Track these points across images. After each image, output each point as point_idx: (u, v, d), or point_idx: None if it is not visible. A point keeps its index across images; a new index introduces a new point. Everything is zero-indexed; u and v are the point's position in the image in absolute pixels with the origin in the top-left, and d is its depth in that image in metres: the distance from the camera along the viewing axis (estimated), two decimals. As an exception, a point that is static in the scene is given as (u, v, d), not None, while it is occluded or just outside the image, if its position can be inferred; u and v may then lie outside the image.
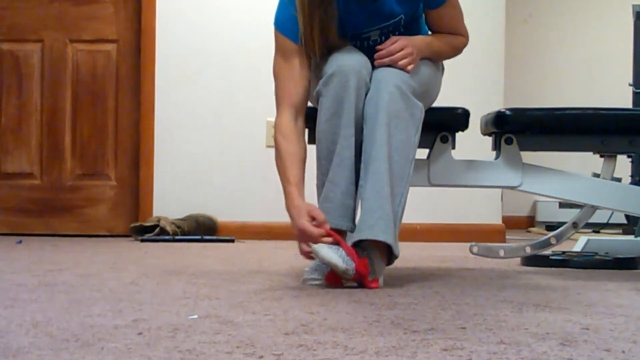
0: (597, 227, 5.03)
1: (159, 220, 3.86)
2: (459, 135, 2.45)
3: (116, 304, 1.69)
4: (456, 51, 2.32)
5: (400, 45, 2.13)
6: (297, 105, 2.14)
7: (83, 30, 4.19)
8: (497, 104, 3.85)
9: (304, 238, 1.99)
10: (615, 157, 2.65)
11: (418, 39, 2.19)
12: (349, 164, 2.07)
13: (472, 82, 4.13)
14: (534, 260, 2.76)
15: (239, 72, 4.13)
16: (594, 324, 1.49)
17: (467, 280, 2.26)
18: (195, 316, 1.53)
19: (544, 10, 6.19)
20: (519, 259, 2.83)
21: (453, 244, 3.81)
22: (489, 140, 2.59)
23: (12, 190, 4.19)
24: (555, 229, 2.86)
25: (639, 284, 2.21)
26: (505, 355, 1.19)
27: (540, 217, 5.85)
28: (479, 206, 4.13)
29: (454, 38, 2.29)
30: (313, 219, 2.00)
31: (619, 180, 2.85)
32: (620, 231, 5.01)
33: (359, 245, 2.00)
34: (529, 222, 6.02)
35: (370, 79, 2.12)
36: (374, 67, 2.14)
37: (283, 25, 2.15)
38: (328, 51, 2.13)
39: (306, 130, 2.29)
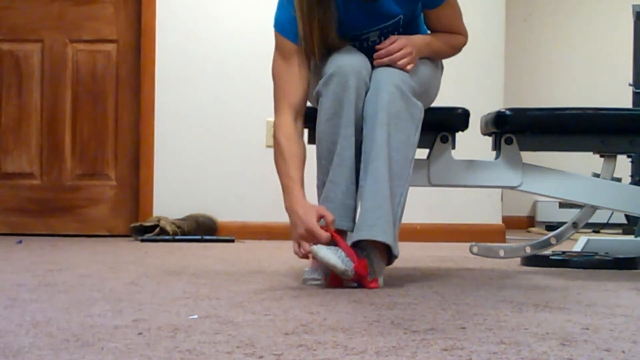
0: (597, 227, 5.03)
1: (159, 220, 3.86)
2: (459, 135, 2.45)
3: (116, 304, 1.69)
4: (455, 50, 2.32)
5: (399, 44, 2.13)
6: (296, 105, 2.14)
7: (83, 30, 4.19)
8: (497, 104, 3.85)
9: (309, 239, 1.98)
10: (615, 157, 2.64)
11: (417, 39, 2.19)
12: (349, 163, 2.07)
13: (472, 82, 4.13)
14: (534, 260, 2.76)
15: (239, 72, 4.12)
16: (594, 324, 1.49)
17: (467, 280, 2.26)
18: (195, 316, 1.53)
19: (544, 9, 6.19)
20: (519, 259, 2.83)
21: (453, 244, 3.81)
22: (489, 140, 2.59)
23: (12, 190, 4.19)
24: (555, 229, 2.86)
25: (639, 284, 2.21)
26: (505, 355, 1.19)
27: (540, 217, 5.85)
28: (479, 206, 4.13)
29: (453, 37, 2.29)
30: (320, 219, 1.99)
31: (619, 180, 2.85)
32: (620, 231, 5.01)
33: (358, 245, 2.00)
34: (529, 222, 6.02)
35: (370, 79, 2.12)
36: (373, 67, 2.14)
37: (282, 26, 2.15)
38: (327, 52, 2.13)
39: (306, 130, 2.29)
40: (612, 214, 4.85)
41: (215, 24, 4.16)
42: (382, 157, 2.02)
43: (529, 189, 2.48)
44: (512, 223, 5.34)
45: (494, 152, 2.50)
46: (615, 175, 2.67)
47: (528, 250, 2.78)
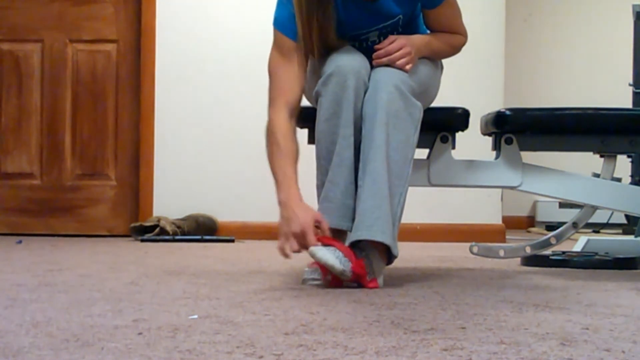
0: (597, 227, 5.03)
1: (159, 220, 3.86)
2: (459, 135, 2.45)
3: (116, 304, 1.69)
4: (455, 50, 2.32)
5: (398, 44, 2.13)
6: (292, 103, 2.13)
7: (83, 30, 4.19)
8: (497, 104, 3.85)
9: (300, 238, 1.98)
10: (615, 157, 2.64)
11: (416, 38, 2.19)
12: (349, 163, 2.06)
13: (472, 82, 4.13)
14: (534, 260, 2.76)
15: (239, 72, 4.12)
16: (594, 324, 1.49)
17: (467, 280, 2.26)
18: (195, 316, 1.53)
19: (544, 9, 6.20)
20: (519, 259, 2.83)
21: (453, 244, 3.81)
22: (489, 140, 2.59)
23: (12, 190, 4.19)
24: (555, 229, 2.86)
25: (639, 284, 2.21)
26: (505, 355, 1.19)
27: (540, 217, 5.85)
28: (479, 206, 4.13)
29: (453, 37, 2.29)
30: (315, 223, 1.99)
31: (619, 180, 2.85)
32: (620, 231, 5.01)
33: (357, 245, 2.00)
34: (529, 222, 6.02)
35: (369, 79, 2.12)
36: (372, 67, 2.14)
37: (282, 23, 2.15)
38: (327, 51, 2.13)
39: (305, 131, 2.29)
40: (612, 214, 4.85)
41: (215, 24, 4.16)
42: (380, 157, 2.02)
43: (529, 189, 2.47)
44: (512, 223, 5.34)
45: (494, 152, 2.50)
46: (615, 175, 2.67)
47: (528, 250, 2.78)
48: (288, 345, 1.25)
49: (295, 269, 2.44)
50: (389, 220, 2.00)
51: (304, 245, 1.97)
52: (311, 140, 2.23)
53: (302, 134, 2.28)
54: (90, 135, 4.18)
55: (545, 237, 2.80)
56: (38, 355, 1.16)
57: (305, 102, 2.22)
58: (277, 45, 2.17)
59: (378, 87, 2.07)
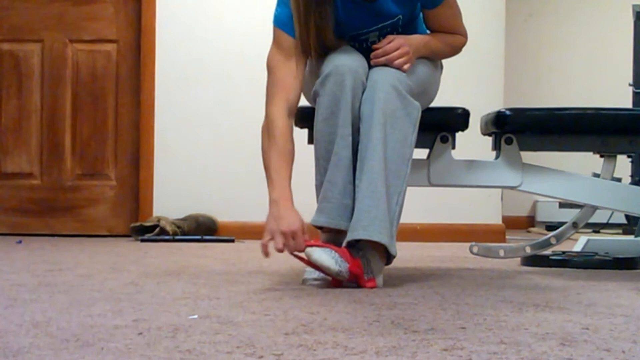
0: (597, 227, 5.03)
1: (159, 220, 3.86)
2: (459, 135, 2.45)
3: (116, 304, 1.69)
4: (454, 50, 2.32)
5: (396, 44, 2.13)
6: (291, 100, 2.12)
7: (83, 30, 4.19)
8: (497, 104, 3.85)
9: (287, 238, 1.97)
10: (615, 157, 2.65)
11: (415, 38, 2.19)
12: (347, 163, 2.06)
13: (472, 82, 4.13)
14: (534, 260, 2.76)
15: (239, 72, 4.12)
16: (594, 324, 1.49)
17: (467, 280, 2.26)
18: (195, 316, 1.53)
19: (544, 10, 6.20)
20: (519, 259, 2.83)
21: (453, 244, 3.81)
22: (489, 140, 2.59)
23: (12, 190, 4.19)
24: (555, 229, 2.86)
25: (639, 284, 2.21)
26: (505, 355, 1.19)
27: (540, 217, 5.85)
28: (479, 206, 4.13)
29: (452, 37, 2.29)
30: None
31: (619, 180, 2.85)
32: (620, 231, 5.01)
33: (355, 245, 2.00)
34: (529, 222, 6.02)
35: (367, 79, 2.12)
36: (371, 67, 2.14)
37: (282, 21, 2.14)
38: (325, 52, 2.13)
39: (305, 131, 2.29)
40: (612, 214, 4.86)
41: (215, 24, 4.16)
42: (377, 157, 2.02)
43: (529, 189, 2.48)
44: (512, 223, 5.34)
45: (494, 152, 2.50)
46: (615, 175, 2.67)
47: (528, 250, 2.78)
48: (288, 345, 1.25)
49: (295, 269, 2.44)
50: (386, 220, 2.00)
51: (291, 247, 1.97)
52: (310, 140, 2.23)
53: (302, 133, 2.28)
54: (90, 135, 4.18)
55: (545, 237, 2.80)
56: (38, 355, 1.16)
57: (304, 102, 2.21)
58: (276, 43, 2.16)
59: (375, 87, 2.07)
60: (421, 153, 2.36)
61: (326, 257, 1.93)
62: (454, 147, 2.43)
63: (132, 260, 2.80)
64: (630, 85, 4.62)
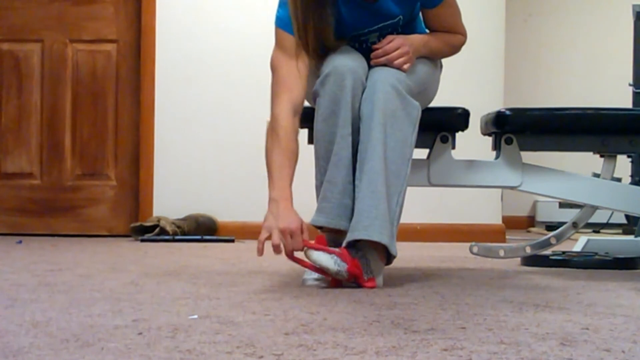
0: (597, 227, 5.03)
1: (159, 220, 3.86)
2: (459, 135, 2.45)
3: (116, 304, 1.69)
4: (454, 49, 2.32)
5: (396, 44, 2.13)
6: (296, 99, 2.10)
7: (83, 30, 4.19)
8: (497, 104, 3.85)
9: (286, 236, 1.95)
10: (615, 157, 2.65)
11: (415, 38, 2.19)
12: (347, 163, 2.06)
13: (472, 82, 4.13)
14: (534, 260, 2.76)
15: (239, 71, 4.13)
16: (594, 324, 1.49)
17: (467, 280, 2.26)
18: (195, 316, 1.53)
19: (544, 10, 6.20)
20: (519, 259, 2.83)
21: (453, 244, 3.81)
22: (489, 140, 2.59)
23: (12, 190, 4.19)
24: (555, 229, 2.86)
25: (639, 284, 2.21)
26: (505, 355, 1.19)
27: (540, 217, 5.85)
28: (479, 206, 4.13)
29: (452, 36, 2.29)
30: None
31: (619, 180, 2.85)
32: (620, 231, 5.01)
33: (354, 245, 2.00)
34: (529, 222, 6.02)
35: (367, 79, 2.12)
36: (371, 68, 2.14)
37: (284, 22, 2.14)
38: (325, 53, 2.13)
39: (305, 131, 2.29)
40: (612, 214, 4.86)
41: (215, 24, 4.16)
42: (377, 157, 2.02)
43: (529, 189, 2.48)
44: (512, 223, 5.34)
45: (494, 152, 2.50)
46: (615, 175, 2.67)
47: (528, 250, 2.78)
48: (288, 345, 1.25)
49: (296, 269, 2.44)
50: (386, 220, 2.00)
51: (289, 245, 1.95)
52: (310, 140, 2.23)
53: (302, 133, 2.28)
54: (90, 135, 4.18)
55: (545, 237, 2.80)
56: (38, 355, 1.16)
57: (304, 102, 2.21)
58: (279, 44, 2.16)
59: (375, 87, 2.07)
60: (421, 153, 2.36)
61: (325, 257, 1.93)
62: (454, 147, 2.43)
63: (132, 260, 2.80)
64: (630, 85, 4.62)
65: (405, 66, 2.12)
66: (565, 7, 6.19)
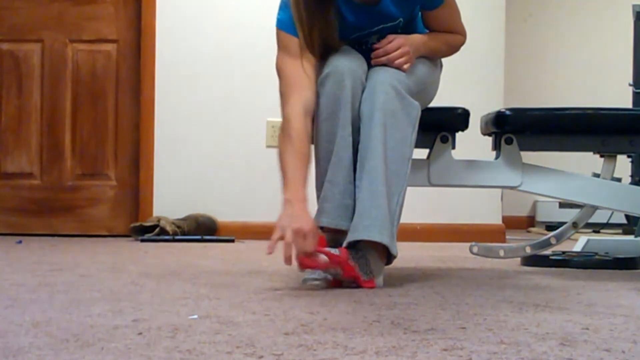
0: (597, 227, 5.03)
1: (159, 220, 3.86)
2: (459, 135, 2.45)
3: (116, 304, 1.69)
4: (453, 49, 2.32)
5: (396, 44, 2.13)
6: (306, 98, 2.07)
7: (83, 30, 4.19)
8: (497, 104, 3.85)
9: (299, 235, 1.92)
10: (615, 157, 2.65)
11: (415, 38, 2.19)
12: (347, 163, 2.06)
13: (472, 82, 4.13)
14: (534, 260, 2.76)
15: (239, 72, 4.13)
16: (594, 324, 1.49)
17: (467, 280, 2.26)
18: (195, 316, 1.53)
19: (544, 10, 6.20)
20: (519, 259, 2.83)
21: (453, 244, 3.81)
22: (489, 140, 2.59)
23: (12, 190, 4.19)
24: (555, 229, 2.86)
25: (639, 284, 2.21)
26: (505, 355, 1.19)
27: (540, 217, 5.85)
28: (479, 206, 4.13)
29: (452, 36, 2.29)
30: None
31: (619, 180, 2.85)
32: (620, 231, 5.01)
33: (355, 245, 2.00)
34: (529, 222, 6.02)
35: (367, 79, 2.12)
36: (370, 68, 2.14)
37: (286, 23, 2.14)
38: (327, 53, 2.13)
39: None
40: (612, 214, 4.85)
41: (216, 23, 4.16)
42: (378, 157, 2.02)
43: (529, 189, 2.48)
44: (512, 223, 5.34)
45: (494, 152, 2.50)
46: (615, 175, 2.67)
47: (528, 250, 2.78)
48: (288, 345, 1.25)
49: (295, 269, 2.44)
50: (387, 220, 2.00)
51: (300, 246, 1.92)
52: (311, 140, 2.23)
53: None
54: (90, 135, 4.18)
55: (545, 237, 2.80)
56: (38, 355, 1.16)
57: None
58: (283, 47, 2.14)
59: (375, 87, 2.07)
60: (421, 153, 2.36)
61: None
62: (454, 147, 2.43)
63: (132, 260, 2.79)
64: (630, 85, 4.62)
65: (405, 66, 2.13)
66: (565, 7, 6.19)
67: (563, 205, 5.62)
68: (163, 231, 3.80)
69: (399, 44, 2.13)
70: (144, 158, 4.12)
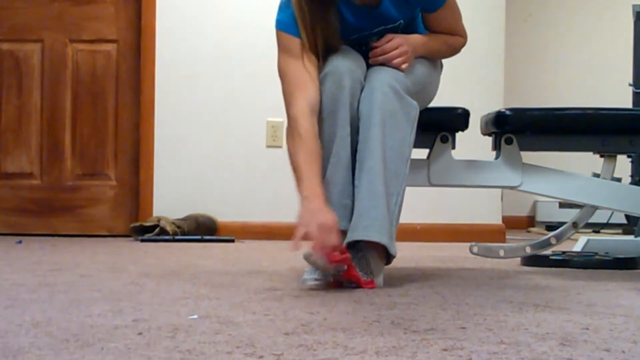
0: (597, 227, 5.03)
1: (159, 220, 3.86)
2: (459, 135, 2.45)
3: (116, 304, 1.69)
4: (454, 51, 2.32)
5: (395, 43, 2.13)
6: (310, 97, 2.06)
7: (83, 30, 4.19)
8: (497, 104, 3.85)
9: (322, 232, 1.89)
10: (615, 157, 2.65)
11: (414, 38, 2.19)
12: (346, 163, 2.06)
13: (472, 82, 4.13)
14: (534, 260, 2.76)
15: (239, 72, 4.13)
16: (594, 324, 1.49)
17: (467, 280, 2.26)
18: (195, 316, 1.53)
19: (544, 10, 6.19)
20: (519, 259, 2.83)
21: (453, 244, 3.81)
22: (489, 140, 2.59)
23: (12, 190, 4.19)
24: (555, 229, 2.86)
25: (639, 284, 2.21)
26: (505, 355, 1.19)
27: (540, 217, 5.86)
28: (479, 206, 4.13)
29: (452, 38, 2.29)
30: None
31: (619, 180, 2.85)
32: (620, 231, 5.01)
33: (354, 246, 2.00)
34: (529, 222, 6.02)
35: (365, 79, 2.12)
36: (369, 67, 2.14)
37: (285, 24, 2.13)
38: (327, 53, 2.13)
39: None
40: (612, 214, 4.85)
41: (216, 23, 4.16)
42: (376, 157, 2.01)
43: (529, 189, 2.48)
44: (512, 223, 5.34)
45: (494, 152, 2.50)
46: (615, 175, 2.67)
47: (528, 250, 2.78)
48: (288, 345, 1.25)
49: (295, 269, 2.44)
50: (386, 220, 2.00)
51: (325, 241, 1.89)
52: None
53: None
54: (90, 135, 4.18)
55: (545, 237, 2.80)
56: (38, 355, 1.16)
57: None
58: (283, 48, 2.14)
59: (373, 87, 2.07)
60: (421, 153, 2.36)
61: (321, 260, 1.92)
62: (454, 147, 2.43)
63: (132, 260, 2.79)
64: (630, 85, 4.62)
65: (404, 66, 2.12)
66: (565, 7, 6.19)
67: (563, 205, 5.62)
68: (163, 231, 3.80)
69: (397, 44, 2.13)
70: (144, 158, 4.12)
